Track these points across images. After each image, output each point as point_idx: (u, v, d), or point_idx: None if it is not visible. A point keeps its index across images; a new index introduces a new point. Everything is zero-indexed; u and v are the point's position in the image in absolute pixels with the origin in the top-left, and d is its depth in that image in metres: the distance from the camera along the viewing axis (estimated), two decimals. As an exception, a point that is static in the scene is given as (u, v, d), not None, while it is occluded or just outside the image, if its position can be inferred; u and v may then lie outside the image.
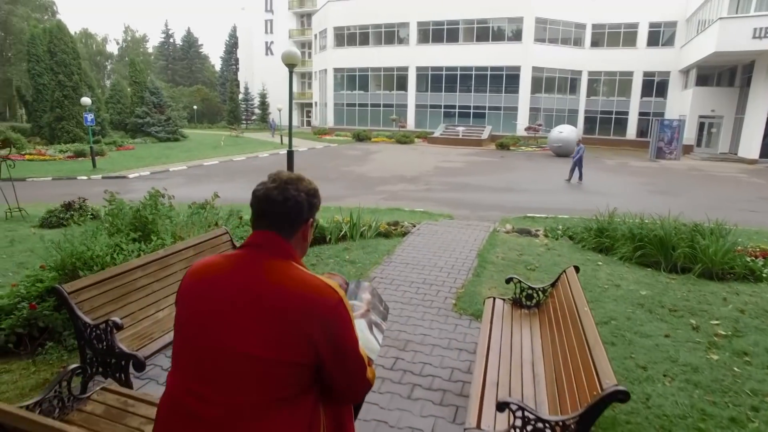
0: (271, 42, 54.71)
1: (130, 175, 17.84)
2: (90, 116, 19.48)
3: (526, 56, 34.53)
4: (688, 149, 28.39)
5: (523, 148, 31.11)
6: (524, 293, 3.56)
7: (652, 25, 33.94)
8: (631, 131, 35.59)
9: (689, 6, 31.33)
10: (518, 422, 2.00)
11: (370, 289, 1.85)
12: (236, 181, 16.52)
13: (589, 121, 36.67)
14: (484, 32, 36.46)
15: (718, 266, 5.62)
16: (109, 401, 2.25)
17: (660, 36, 34.19)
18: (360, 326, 1.67)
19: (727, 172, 21.02)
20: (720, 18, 23.46)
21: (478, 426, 2.12)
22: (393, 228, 7.33)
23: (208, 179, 16.98)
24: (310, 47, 51.59)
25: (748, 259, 5.81)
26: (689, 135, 28.49)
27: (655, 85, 34.62)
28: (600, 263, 6.07)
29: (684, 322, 4.33)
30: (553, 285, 3.49)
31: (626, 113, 35.65)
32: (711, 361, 3.62)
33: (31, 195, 13.29)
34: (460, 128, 35.68)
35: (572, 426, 1.95)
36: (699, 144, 29.37)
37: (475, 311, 4.36)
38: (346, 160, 23.25)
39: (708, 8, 26.78)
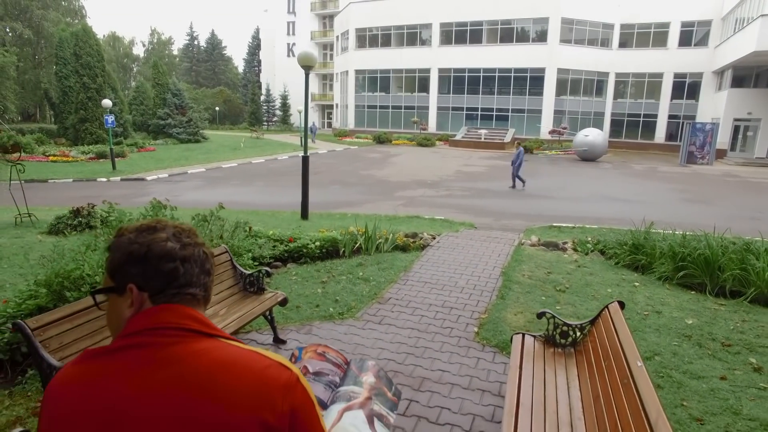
0: (293, 44, 54.83)
1: (149, 177, 17.82)
2: (110, 118, 19.57)
3: (551, 57, 33.67)
4: (721, 153, 27.20)
5: (546, 151, 30.28)
6: (558, 330, 3.09)
7: (684, 24, 32.68)
8: (660, 135, 34.35)
9: (726, 4, 30.04)
10: None
11: (376, 369, 1.40)
12: (253, 185, 16.33)
13: (616, 124, 35.55)
14: (508, 33, 35.72)
15: (773, 291, 5.02)
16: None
17: (692, 36, 32.90)
18: (356, 420, 1.24)
19: (765, 178, 19.95)
20: (762, 15, 22.33)
21: None
22: (411, 240, 6.89)
23: (225, 182, 16.83)
24: (331, 49, 51.54)
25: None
26: (722, 139, 27.29)
27: (687, 87, 33.32)
28: (636, 284, 5.52)
29: (742, 360, 3.77)
30: (592, 322, 3.01)
31: (655, 116, 34.43)
32: (781, 413, 3.08)
33: (51, 197, 13.30)
34: (483, 131, 34.99)
35: None
36: (733, 148, 28.10)
37: (499, 342, 3.90)
38: (365, 164, 22.90)
39: (747, 5, 25.56)
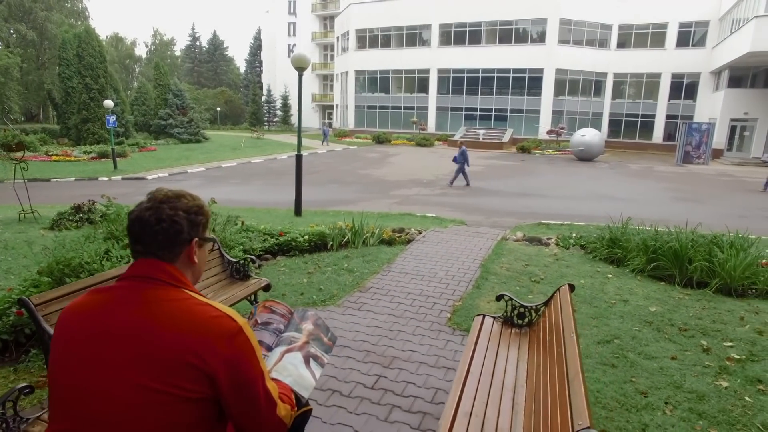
0: (294, 44, 55.21)
1: (149, 177, 18.15)
2: (112, 118, 19.91)
3: (550, 58, 33.92)
4: (717, 153, 27.40)
5: (544, 151, 30.53)
6: (516, 311, 3.36)
7: (682, 25, 32.91)
8: (658, 135, 34.58)
9: (723, 4, 30.26)
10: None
11: (315, 318, 1.71)
12: (252, 184, 16.63)
13: (614, 125, 35.79)
14: (507, 34, 35.99)
15: (737, 282, 5.27)
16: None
17: (690, 36, 33.12)
18: (294, 360, 1.53)
19: (760, 178, 20.12)
20: (756, 16, 22.55)
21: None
22: (398, 235, 7.16)
23: (224, 181, 17.14)
24: (332, 49, 51.89)
25: (770, 274, 5.44)
26: (719, 139, 27.51)
27: (684, 87, 33.56)
28: (610, 276, 5.78)
29: (694, 342, 4.04)
30: (546, 303, 3.28)
31: (653, 116, 34.67)
32: (720, 388, 3.34)
33: (53, 195, 13.62)
34: (481, 131, 35.26)
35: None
36: (730, 148, 28.30)
37: (469, 326, 4.16)
38: (363, 163, 23.18)
39: (743, 6, 25.77)
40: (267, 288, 4.09)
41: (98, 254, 4.21)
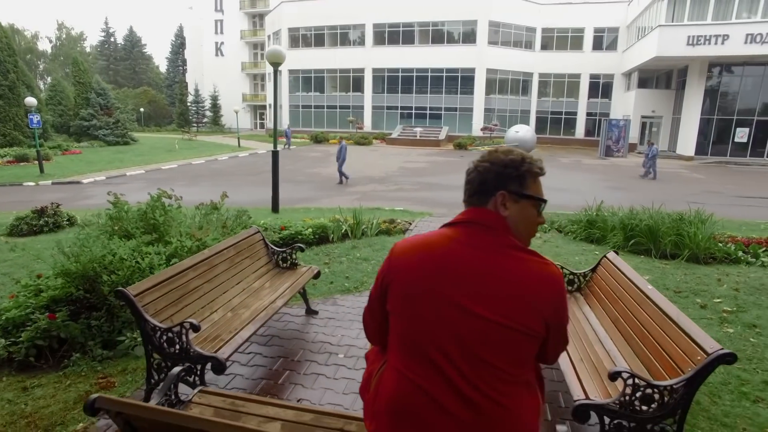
0: (222, 43, 53.24)
1: (84, 180, 16.90)
2: (36, 117, 18.29)
3: (480, 58, 35.54)
4: (632, 147, 30.21)
5: (479, 147, 31.95)
6: (566, 278, 3.73)
7: (596, 30, 35.89)
8: (580, 131, 37.46)
9: (629, 13, 33.39)
10: (628, 390, 2.13)
11: None
12: (200, 185, 16.01)
13: (541, 122, 38.24)
14: (439, 35, 37.20)
15: (702, 251, 6.08)
16: (214, 403, 2.18)
17: (603, 41, 36.19)
18: None
19: (670, 169, 22.57)
20: (659, 25, 25.20)
21: (587, 397, 2.24)
22: (392, 226, 7.39)
23: (170, 183, 16.32)
24: (262, 48, 50.63)
25: (722, 244, 6.33)
26: (633, 134, 30.35)
27: (601, 87, 36.63)
28: (596, 252, 6.40)
29: (691, 302, 4.67)
30: (594, 269, 3.68)
31: (575, 113, 37.48)
32: (728, 334, 3.94)
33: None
34: (418, 129, 36.20)
35: (680, 389, 2.10)
36: (642, 142, 31.32)
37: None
38: (308, 162, 23.03)
39: (647, 15, 28.65)
40: (317, 275, 4.17)
41: (133, 249, 4.06)
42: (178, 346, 2.66)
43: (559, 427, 1.71)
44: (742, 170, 22.69)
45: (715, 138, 26.78)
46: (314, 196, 13.69)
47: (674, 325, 2.39)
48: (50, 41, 76.39)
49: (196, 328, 2.61)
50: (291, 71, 41.78)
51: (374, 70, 39.11)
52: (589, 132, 36.71)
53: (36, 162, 18.78)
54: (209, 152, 27.88)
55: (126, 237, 4.68)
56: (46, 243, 6.57)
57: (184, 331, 2.63)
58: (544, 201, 1.39)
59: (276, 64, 8.79)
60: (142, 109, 54.08)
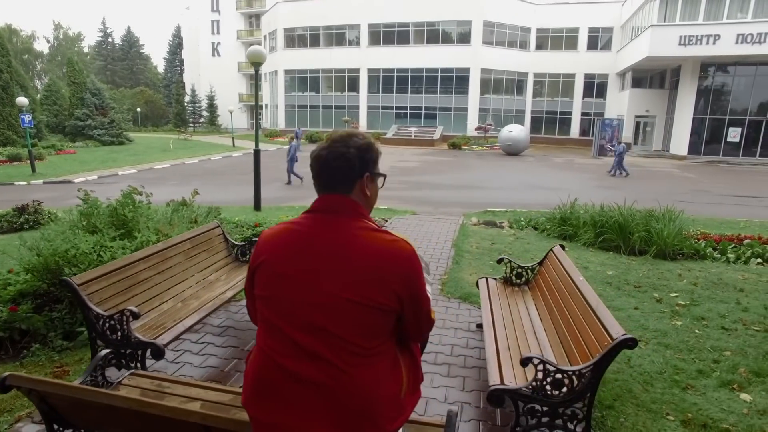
0: (218, 43, 53.32)
1: (76, 180, 16.95)
2: (27, 117, 18.32)
3: (475, 58, 35.61)
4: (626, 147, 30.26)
5: (474, 147, 32.05)
6: (514, 272, 3.83)
7: (591, 30, 35.95)
8: (575, 130, 37.53)
9: (623, 13, 33.47)
10: (539, 375, 2.22)
11: None
12: (192, 184, 16.06)
13: (536, 121, 38.30)
14: (434, 35, 37.27)
15: (670, 247, 6.17)
16: (143, 385, 2.27)
17: (598, 40, 36.27)
18: None
19: (662, 168, 22.65)
20: (651, 25, 25.28)
21: (502, 382, 2.32)
22: (368, 222, 7.47)
23: (162, 182, 16.42)
24: (259, 48, 50.64)
25: (691, 241, 6.42)
26: (627, 133, 30.41)
27: (596, 87, 36.68)
28: (566, 249, 6.46)
29: (649, 296, 4.76)
30: (540, 263, 3.77)
31: (570, 113, 37.55)
32: (676, 326, 4.03)
33: (-33, 202, 12.38)
34: (413, 129, 36.28)
35: (587, 374, 2.19)
36: (636, 142, 31.40)
37: (462, 294, 4.60)
38: (301, 162, 23.06)
39: (640, 16, 28.73)
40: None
41: (96, 244, 4.14)
42: (119, 333, 2.75)
43: (450, 408, 1.80)
44: (733, 169, 22.78)
45: (708, 137, 26.86)
46: (303, 195, 13.76)
47: (592, 314, 2.47)
48: (48, 41, 76.48)
49: (135, 316, 2.70)
50: (287, 71, 41.87)
51: (369, 70, 39.19)
52: (584, 132, 36.78)
53: (29, 162, 18.85)
54: (203, 152, 27.96)
55: (92, 232, 4.78)
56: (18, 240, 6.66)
57: (124, 318, 2.72)
58: (385, 176, 1.56)
59: (257, 64, 8.87)
60: (138, 109, 54.15)
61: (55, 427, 1.97)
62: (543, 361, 2.21)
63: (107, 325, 2.76)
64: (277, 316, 1.37)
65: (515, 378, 2.41)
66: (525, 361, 2.22)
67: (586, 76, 36.41)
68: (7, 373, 1.77)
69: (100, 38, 72.04)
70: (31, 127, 19.96)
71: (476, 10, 34.86)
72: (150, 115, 58.37)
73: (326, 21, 39.57)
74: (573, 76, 36.76)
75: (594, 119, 31.43)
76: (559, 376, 2.21)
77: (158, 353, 2.72)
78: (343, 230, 1.39)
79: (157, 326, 3.01)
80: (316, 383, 1.30)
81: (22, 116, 18.32)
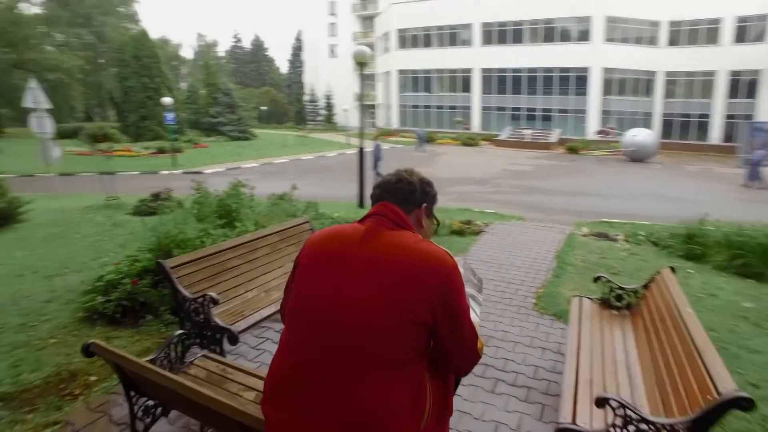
0: (335, 45, 55.89)
1: (207, 171, 18.88)
2: (171, 115, 20.84)
3: (596, 57, 33.04)
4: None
5: (594, 152, 29.71)
6: (613, 293, 3.39)
7: (739, 19, 31.25)
8: (715, 135, 32.97)
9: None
10: (618, 421, 1.90)
11: (463, 262, 1.82)
12: (307, 179, 17.00)
13: (666, 125, 34.37)
14: (551, 32, 35.32)
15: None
16: (210, 367, 2.39)
17: (748, 31, 31.40)
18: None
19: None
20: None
21: (573, 422, 2.04)
22: (466, 227, 7.25)
23: (280, 176, 17.61)
24: (373, 49, 52.24)
25: None
26: (784, 139, 25.98)
27: (745, 85, 31.79)
28: (691, 270, 5.66)
29: (788, 338, 3.93)
30: (645, 286, 3.30)
31: (708, 116, 33.10)
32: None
33: (123, 187, 14.39)
34: (527, 131, 34.74)
35: (681, 431, 1.82)
36: (795, 149, 26.66)
37: (557, 311, 4.22)
38: (413, 162, 23.25)
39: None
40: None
41: (200, 232, 4.51)
42: (202, 316, 2.93)
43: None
44: None
45: None
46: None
47: (698, 357, 2.06)
48: (192, 49, 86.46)
49: (215, 301, 2.86)
50: (400, 71, 42.55)
51: (483, 70, 38.31)
52: (728, 137, 32.10)
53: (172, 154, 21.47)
54: (319, 149, 29.55)
55: (201, 219, 5.22)
56: (149, 222, 7.56)
57: (205, 302, 2.89)
58: (439, 222, 1.67)
59: (362, 64, 9.09)
60: (263, 108, 58.92)
61: (132, 393, 2.14)
62: (623, 405, 1.89)
63: (192, 307, 2.96)
64: (305, 315, 1.37)
65: (591, 419, 2.09)
66: (601, 402, 1.92)
67: (732, 73, 31.72)
68: (90, 341, 1.94)
69: (233, 44, 79.72)
70: (174, 124, 22.68)
71: (597, 5, 32.25)
72: (273, 113, 63.26)
73: (439, 21, 39.49)
74: (713, 73, 32.28)
75: (741, 122, 27.22)
76: (644, 426, 1.87)
77: (233, 339, 2.85)
78: (386, 236, 1.38)
79: (237, 313, 3.17)
80: (330, 386, 1.27)
81: (166, 114, 20.89)
